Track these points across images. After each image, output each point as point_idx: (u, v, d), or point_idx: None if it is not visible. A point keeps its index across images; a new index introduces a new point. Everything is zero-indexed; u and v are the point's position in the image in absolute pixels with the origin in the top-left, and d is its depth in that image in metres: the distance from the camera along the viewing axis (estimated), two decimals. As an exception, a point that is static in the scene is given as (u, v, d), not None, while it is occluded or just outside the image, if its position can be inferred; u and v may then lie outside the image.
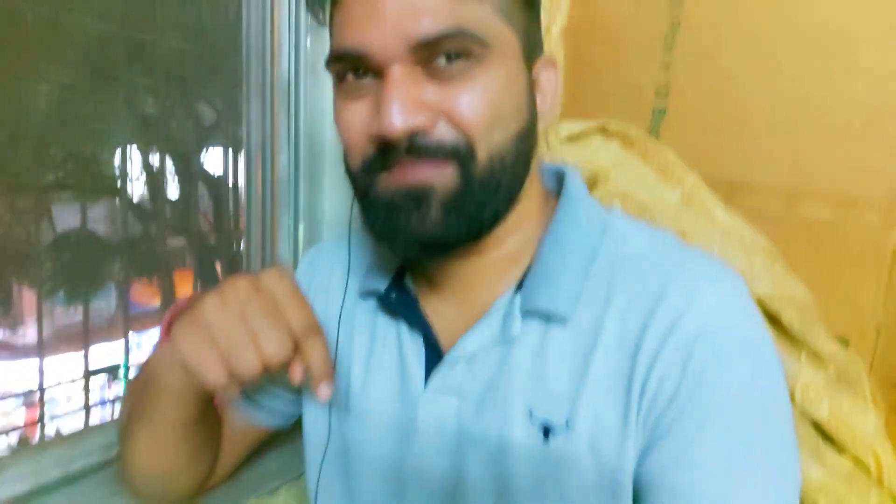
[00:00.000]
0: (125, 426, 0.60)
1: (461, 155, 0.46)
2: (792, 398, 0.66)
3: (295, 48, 0.94)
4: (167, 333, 0.51)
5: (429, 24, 0.44)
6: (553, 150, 0.81)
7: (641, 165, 0.85)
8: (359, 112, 0.48)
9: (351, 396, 0.59)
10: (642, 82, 0.91)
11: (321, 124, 0.99)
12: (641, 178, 0.80)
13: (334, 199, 0.99)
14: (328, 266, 0.67)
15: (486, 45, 0.46)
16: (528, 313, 0.51)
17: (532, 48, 0.51)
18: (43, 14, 0.82)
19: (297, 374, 0.48)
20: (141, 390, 0.58)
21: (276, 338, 0.45)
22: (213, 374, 0.45)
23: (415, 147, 0.46)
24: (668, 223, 0.72)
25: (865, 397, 0.70)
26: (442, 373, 0.54)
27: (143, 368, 0.60)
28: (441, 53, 0.45)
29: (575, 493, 0.48)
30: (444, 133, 0.46)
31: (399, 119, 0.44)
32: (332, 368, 0.50)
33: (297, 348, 0.47)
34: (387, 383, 0.57)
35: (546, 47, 0.84)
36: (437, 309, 0.57)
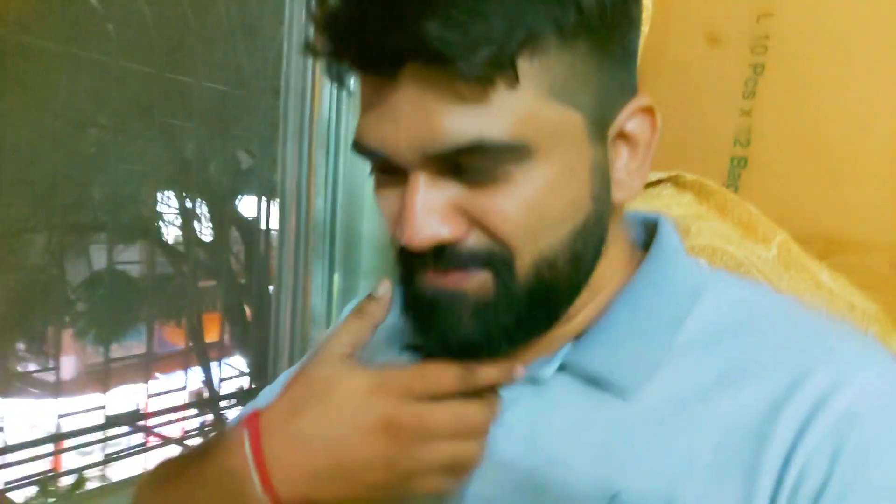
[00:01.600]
0: None
1: (496, 264, 0.39)
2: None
3: (338, 88, 0.88)
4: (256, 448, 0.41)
5: (443, 137, 0.36)
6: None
7: (719, 220, 0.76)
8: (390, 202, 0.41)
9: None
10: (719, 130, 0.83)
11: (361, 168, 0.92)
12: (725, 234, 0.71)
13: (373, 248, 0.91)
14: None
15: (521, 148, 0.37)
16: (569, 367, 0.43)
17: (612, 105, 0.41)
18: (90, 57, 0.78)
19: None
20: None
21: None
22: None
23: (442, 258, 0.39)
24: (766, 284, 0.62)
25: None
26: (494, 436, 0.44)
27: (194, 470, 0.47)
28: (464, 162, 0.37)
29: None
30: (476, 242, 0.39)
31: (420, 233, 0.38)
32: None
33: None
34: None
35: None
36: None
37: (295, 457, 0.41)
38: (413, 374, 0.42)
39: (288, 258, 0.90)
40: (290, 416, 0.42)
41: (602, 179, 0.42)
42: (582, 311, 0.45)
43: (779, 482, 0.37)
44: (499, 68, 0.34)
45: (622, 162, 0.44)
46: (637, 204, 0.81)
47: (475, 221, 0.38)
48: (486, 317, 0.40)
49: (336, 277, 0.89)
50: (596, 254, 0.44)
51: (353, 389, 0.41)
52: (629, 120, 0.43)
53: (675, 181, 0.79)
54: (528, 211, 0.38)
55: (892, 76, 0.71)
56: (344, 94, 0.89)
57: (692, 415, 0.40)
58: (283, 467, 0.41)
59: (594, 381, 0.42)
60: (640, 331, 0.43)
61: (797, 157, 0.78)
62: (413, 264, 0.41)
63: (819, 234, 0.76)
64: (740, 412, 0.39)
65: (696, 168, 0.78)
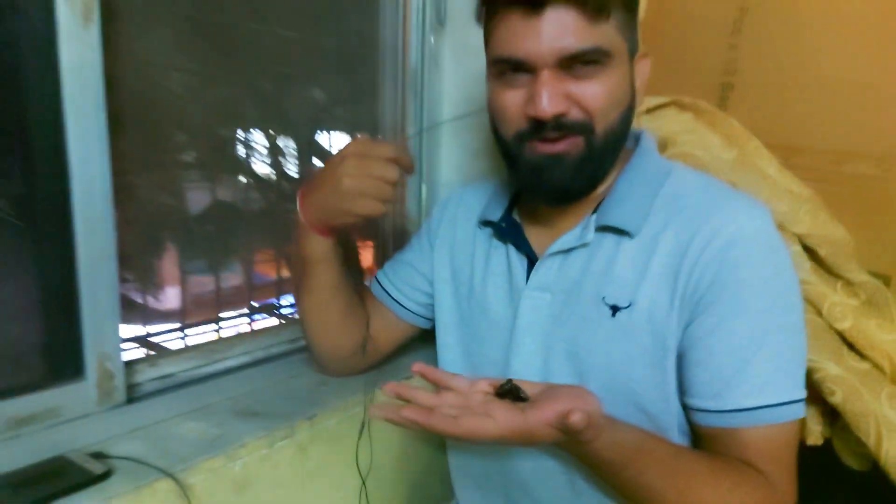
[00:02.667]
0: (298, 305, 0.85)
1: (587, 130, 0.68)
2: (819, 314, 0.82)
3: (421, 44, 1.17)
4: (302, 207, 0.76)
5: (574, 43, 0.64)
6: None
7: (709, 133, 1.01)
8: (516, 97, 0.69)
9: (473, 296, 0.82)
10: (713, 62, 1.07)
11: (440, 105, 1.22)
12: (704, 143, 0.96)
13: (450, 165, 1.22)
14: (455, 208, 0.91)
15: (610, 55, 0.66)
16: (601, 228, 0.72)
17: (634, 49, 0.71)
18: (188, 12, 0.92)
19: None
20: (299, 272, 0.83)
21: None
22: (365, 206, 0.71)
23: (558, 124, 0.67)
24: (722, 177, 0.89)
25: (892, 318, 0.85)
26: (538, 273, 0.75)
27: (295, 255, 0.84)
28: (580, 62, 0.65)
29: (635, 352, 0.68)
30: (576, 115, 0.67)
31: (548, 106, 0.65)
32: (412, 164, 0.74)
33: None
34: (499, 285, 0.80)
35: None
36: (536, 234, 0.79)
37: (312, 195, 0.75)
38: (366, 144, 0.72)
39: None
40: (314, 177, 0.75)
41: (633, 86, 0.72)
42: (599, 187, 0.75)
43: (687, 282, 0.67)
44: (604, 9, 0.64)
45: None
46: (647, 123, 1.09)
47: (575, 102, 0.67)
48: (580, 169, 0.69)
49: (423, 188, 1.21)
50: (626, 135, 0.73)
51: (336, 153, 0.72)
52: (638, 63, 0.73)
53: (678, 103, 1.05)
54: (606, 96, 0.67)
55: (838, 17, 0.92)
56: (427, 49, 1.18)
57: (650, 247, 0.70)
58: (308, 202, 0.75)
59: (617, 231, 0.71)
60: (636, 196, 0.72)
61: (771, 84, 1.01)
62: (529, 137, 0.68)
63: (784, 143, 1.01)
64: (674, 243, 0.68)
65: (694, 91, 1.05)
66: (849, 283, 0.87)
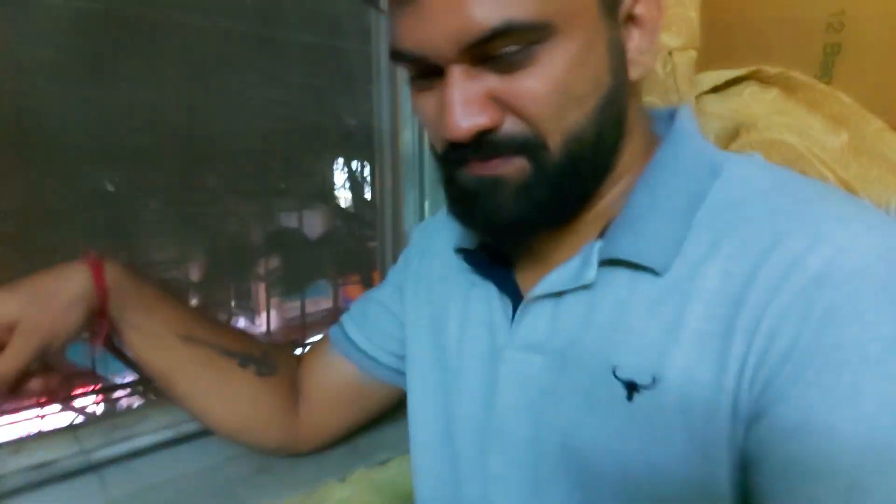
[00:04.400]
0: None
1: (530, 149, 0.42)
2: None
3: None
4: None
5: (476, 24, 0.39)
6: (685, 100, 0.71)
7: (807, 114, 0.71)
8: (431, 104, 0.45)
9: (448, 355, 0.57)
10: (810, 16, 0.76)
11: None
12: (800, 125, 0.67)
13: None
14: (436, 231, 0.67)
15: (545, 27, 0.40)
16: (608, 262, 0.45)
17: None
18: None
19: None
20: None
21: None
22: None
23: (483, 145, 0.42)
24: (828, 173, 0.59)
25: None
26: (522, 324, 0.50)
27: None
28: (496, 48, 0.40)
29: (664, 457, 0.40)
30: (512, 127, 0.42)
31: (462, 122, 0.41)
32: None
33: None
34: (478, 339, 0.54)
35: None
36: (525, 268, 0.53)
37: None
38: None
39: (386, 187, 1.00)
40: None
41: (618, 56, 0.44)
42: (605, 197, 0.48)
43: (749, 344, 0.38)
44: None
45: (633, 43, 0.46)
46: (712, 104, 0.79)
47: (508, 107, 0.42)
48: (525, 197, 0.44)
49: (427, 203, 0.96)
50: (618, 129, 0.46)
51: None
52: (637, 3, 0.45)
53: (758, 76, 0.75)
54: (555, 89, 0.41)
55: None
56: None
57: (686, 289, 0.42)
58: None
59: (631, 265, 0.44)
60: (661, 213, 0.44)
61: (894, 41, 0.69)
62: (456, 160, 0.45)
63: (923, 122, 0.68)
64: (723, 282, 0.40)
65: (787, 58, 0.74)
66: None
